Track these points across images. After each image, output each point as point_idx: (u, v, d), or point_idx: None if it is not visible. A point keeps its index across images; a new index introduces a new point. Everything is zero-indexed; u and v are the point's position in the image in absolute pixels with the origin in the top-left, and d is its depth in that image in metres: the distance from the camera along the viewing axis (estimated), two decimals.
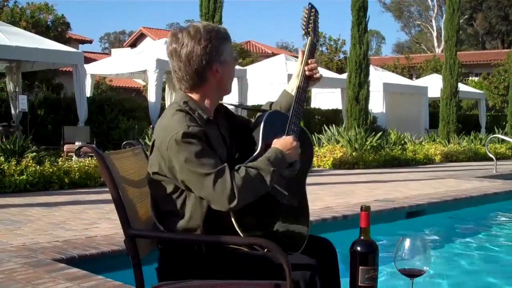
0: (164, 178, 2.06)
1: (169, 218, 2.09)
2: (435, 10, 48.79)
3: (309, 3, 2.41)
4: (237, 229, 2.01)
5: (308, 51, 2.38)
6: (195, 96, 2.15)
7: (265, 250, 2.05)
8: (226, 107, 2.32)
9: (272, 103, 2.45)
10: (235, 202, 1.94)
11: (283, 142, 2.12)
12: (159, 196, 2.11)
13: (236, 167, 2.01)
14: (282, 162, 2.08)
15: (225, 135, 2.21)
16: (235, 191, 1.94)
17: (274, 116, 2.24)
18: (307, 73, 2.34)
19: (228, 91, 2.20)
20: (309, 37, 2.38)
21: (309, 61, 2.36)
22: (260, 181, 2.00)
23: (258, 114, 2.30)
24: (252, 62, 25.53)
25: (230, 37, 2.15)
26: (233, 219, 2.01)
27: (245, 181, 1.97)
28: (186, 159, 1.96)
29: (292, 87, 2.40)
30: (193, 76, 2.10)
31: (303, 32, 2.38)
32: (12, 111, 13.68)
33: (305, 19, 2.38)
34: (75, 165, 8.64)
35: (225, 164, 1.99)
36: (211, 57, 2.08)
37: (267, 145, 2.14)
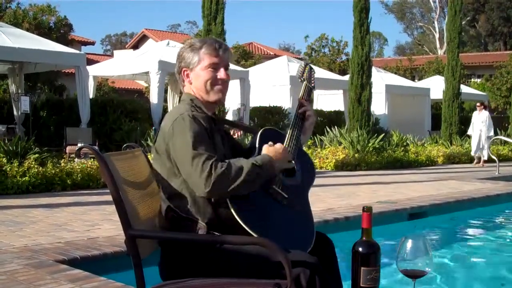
0: (165, 160, 2.18)
1: (176, 199, 2.18)
2: (437, 12, 48.78)
3: (306, 63, 2.60)
4: (239, 220, 2.05)
5: (306, 93, 2.52)
6: (195, 92, 2.31)
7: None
8: (225, 124, 2.51)
9: None
10: (209, 188, 2.01)
11: (272, 149, 2.22)
12: (165, 180, 2.21)
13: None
14: (267, 166, 2.15)
15: (225, 139, 2.35)
16: (212, 177, 2.01)
17: (268, 132, 2.37)
18: (300, 110, 2.47)
19: (206, 91, 2.29)
20: (305, 82, 2.54)
21: (302, 101, 2.48)
22: (237, 171, 2.06)
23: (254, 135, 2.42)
24: (254, 63, 25.54)
25: (205, 47, 2.27)
26: (233, 211, 2.06)
27: (224, 172, 2.03)
28: (189, 135, 2.08)
29: None
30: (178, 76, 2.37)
31: (299, 80, 2.56)
32: (15, 113, 13.71)
33: (301, 72, 2.57)
34: (77, 167, 8.65)
35: (215, 156, 2.09)
36: (180, 63, 2.33)
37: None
